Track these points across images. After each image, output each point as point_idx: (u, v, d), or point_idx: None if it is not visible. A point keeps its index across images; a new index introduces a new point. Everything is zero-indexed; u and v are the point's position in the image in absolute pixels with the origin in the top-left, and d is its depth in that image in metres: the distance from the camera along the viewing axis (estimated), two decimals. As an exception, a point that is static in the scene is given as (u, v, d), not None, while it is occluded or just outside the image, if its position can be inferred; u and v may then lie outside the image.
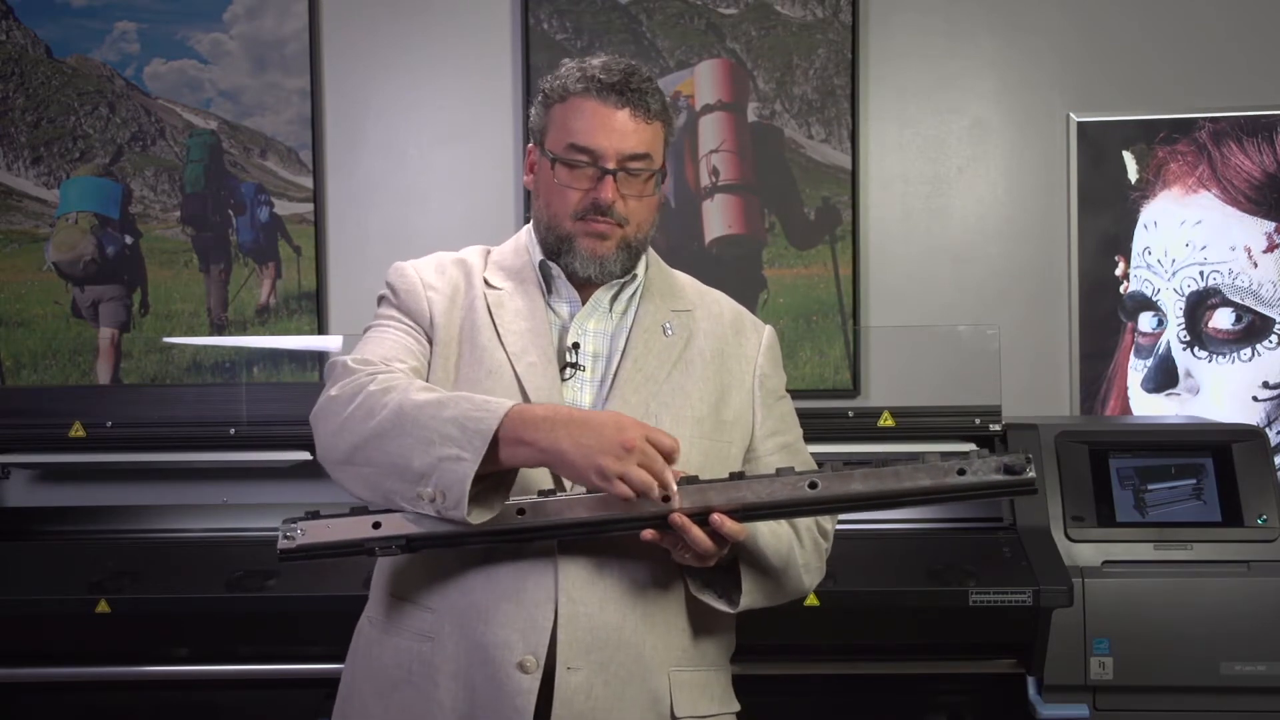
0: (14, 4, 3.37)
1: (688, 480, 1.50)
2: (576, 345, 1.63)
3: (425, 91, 3.37)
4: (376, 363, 1.57)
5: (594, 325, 1.65)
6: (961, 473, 1.49)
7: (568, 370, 1.62)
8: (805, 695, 2.46)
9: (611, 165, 1.59)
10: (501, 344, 1.61)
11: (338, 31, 3.36)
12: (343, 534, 1.50)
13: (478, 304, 1.64)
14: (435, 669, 1.55)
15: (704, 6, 3.33)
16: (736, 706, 1.69)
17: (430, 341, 1.63)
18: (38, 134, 3.37)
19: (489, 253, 1.73)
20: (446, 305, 1.65)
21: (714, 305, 1.74)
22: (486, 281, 1.67)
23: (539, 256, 1.67)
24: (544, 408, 1.47)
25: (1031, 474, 1.49)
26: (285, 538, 1.51)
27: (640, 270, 1.69)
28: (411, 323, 1.64)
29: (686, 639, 1.61)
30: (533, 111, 1.68)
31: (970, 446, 2.58)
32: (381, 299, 1.69)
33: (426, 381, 1.59)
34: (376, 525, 1.49)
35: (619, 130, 1.59)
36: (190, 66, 3.37)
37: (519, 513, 1.49)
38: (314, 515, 1.51)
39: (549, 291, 1.67)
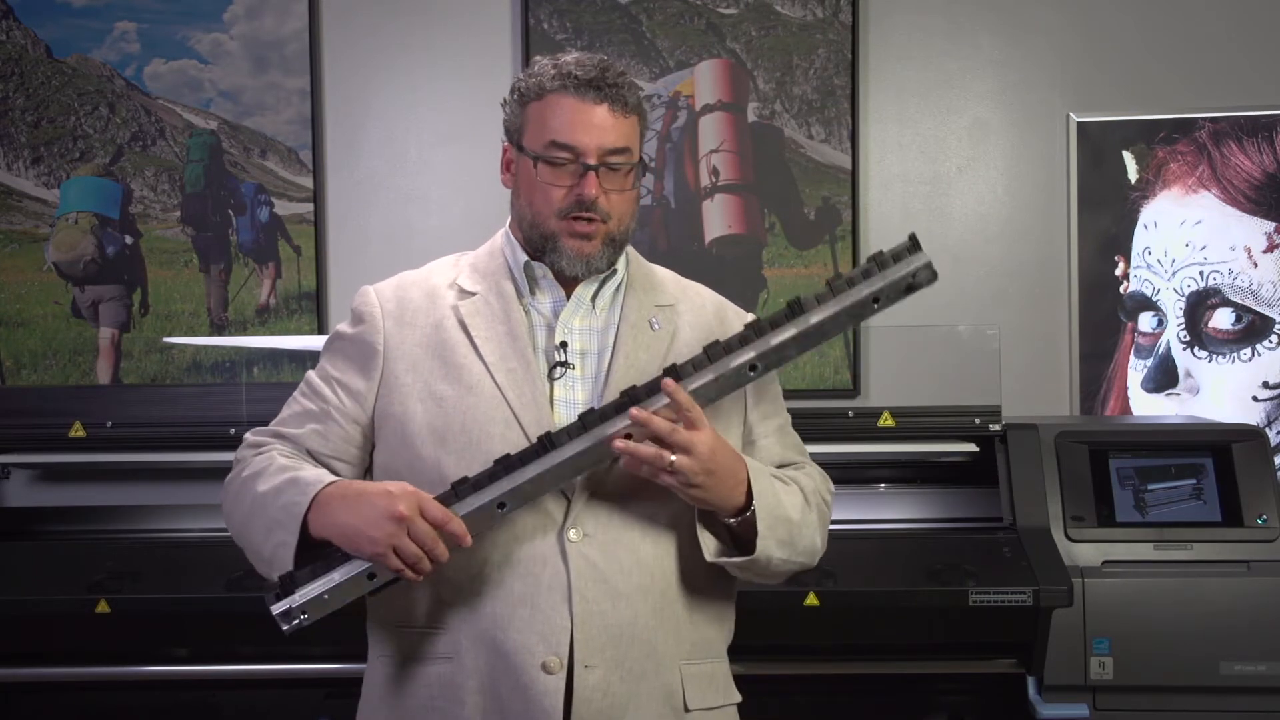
0: (14, 4, 3.37)
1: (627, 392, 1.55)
2: (564, 344, 1.63)
3: (425, 91, 3.37)
4: (265, 443, 1.66)
5: (579, 322, 1.65)
6: (876, 300, 1.61)
7: (558, 370, 1.62)
8: (805, 695, 2.46)
9: (593, 161, 1.59)
10: (479, 355, 1.61)
11: (338, 31, 3.36)
12: (344, 596, 1.51)
13: (446, 322, 1.64)
14: (459, 687, 1.55)
15: (704, 6, 3.33)
16: (738, 697, 1.70)
17: (384, 371, 1.64)
18: (38, 134, 3.38)
19: (462, 258, 1.73)
20: (405, 331, 1.65)
21: (696, 298, 1.75)
22: (460, 288, 1.66)
23: (522, 257, 1.66)
24: (338, 487, 1.53)
25: (926, 276, 1.62)
26: (289, 621, 1.50)
27: (620, 265, 1.69)
28: (346, 374, 1.67)
29: (695, 633, 1.63)
30: (506, 110, 1.67)
31: (971, 447, 2.58)
32: (337, 333, 1.72)
33: (366, 407, 1.65)
34: (371, 576, 1.50)
35: (599, 125, 1.59)
36: (190, 66, 3.38)
37: (499, 506, 1.51)
38: (290, 582, 1.50)
39: (532, 292, 1.66)
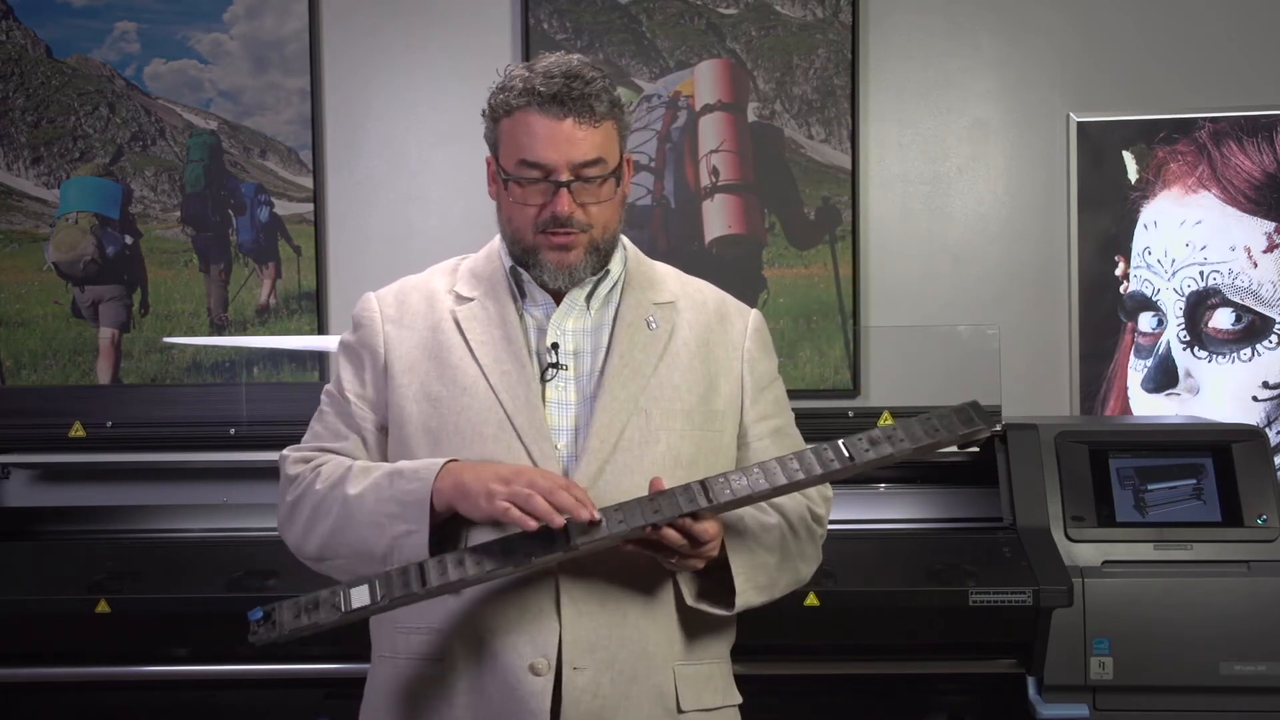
0: (14, 4, 3.37)
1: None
2: (555, 345, 1.63)
3: (425, 91, 3.37)
4: (313, 457, 1.65)
5: (572, 324, 1.65)
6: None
7: (549, 371, 1.62)
8: (805, 695, 2.46)
9: (564, 177, 1.58)
10: (474, 358, 1.61)
11: (338, 31, 3.36)
12: (321, 628, 1.48)
13: (444, 325, 1.65)
14: (448, 688, 1.56)
15: (704, 6, 3.33)
16: (738, 698, 1.70)
17: (387, 372, 1.65)
18: (38, 134, 3.38)
19: (462, 262, 1.73)
20: (404, 334, 1.66)
21: (697, 294, 1.73)
22: (457, 294, 1.67)
23: (509, 263, 1.67)
24: (467, 465, 1.53)
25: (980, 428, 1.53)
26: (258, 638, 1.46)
27: (615, 265, 1.68)
28: (358, 382, 1.67)
29: (690, 634, 1.62)
30: (484, 125, 1.67)
31: (971, 447, 2.57)
32: (341, 342, 1.72)
33: (381, 412, 1.65)
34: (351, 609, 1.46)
35: (566, 140, 1.57)
36: (190, 66, 3.37)
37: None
38: (271, 615, 1.46)
39: (523, 297, 1.66)
